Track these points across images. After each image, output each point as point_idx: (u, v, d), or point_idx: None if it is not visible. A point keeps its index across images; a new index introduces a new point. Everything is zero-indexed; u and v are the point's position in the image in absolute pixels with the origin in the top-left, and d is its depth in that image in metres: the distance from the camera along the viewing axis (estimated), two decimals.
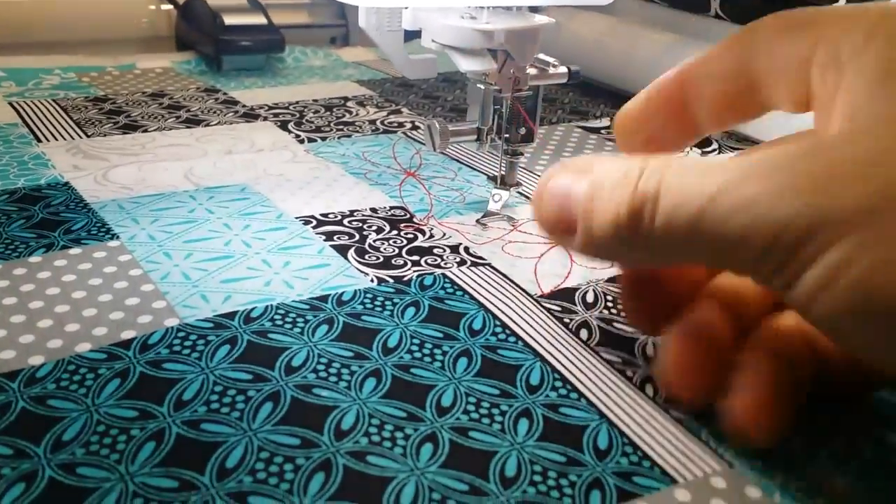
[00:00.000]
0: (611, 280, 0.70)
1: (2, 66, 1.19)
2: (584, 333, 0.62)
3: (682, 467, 0.49)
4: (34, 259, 0.67)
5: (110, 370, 0.54)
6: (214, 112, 1.07)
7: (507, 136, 0.78)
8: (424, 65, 0.81)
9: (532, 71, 0.75)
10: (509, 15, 0.74)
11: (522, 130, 0.78)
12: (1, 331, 0.58)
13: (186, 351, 0.57)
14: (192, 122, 1.02)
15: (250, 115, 1.06)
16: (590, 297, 0.67)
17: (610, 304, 0.66)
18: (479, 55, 0.72)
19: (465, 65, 0.70)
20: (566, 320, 0.63)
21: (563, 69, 0.77)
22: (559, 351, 0.59)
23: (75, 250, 0.69)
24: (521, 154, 0.80)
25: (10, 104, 1.05)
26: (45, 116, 1.01)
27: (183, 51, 1.36)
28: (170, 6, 1.44)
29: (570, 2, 0.70)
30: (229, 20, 1.27)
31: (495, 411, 0.53)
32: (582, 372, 0.57)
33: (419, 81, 1.24)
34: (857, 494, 0.47)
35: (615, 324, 0.64)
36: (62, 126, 0.98)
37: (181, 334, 0.58)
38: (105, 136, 0.96)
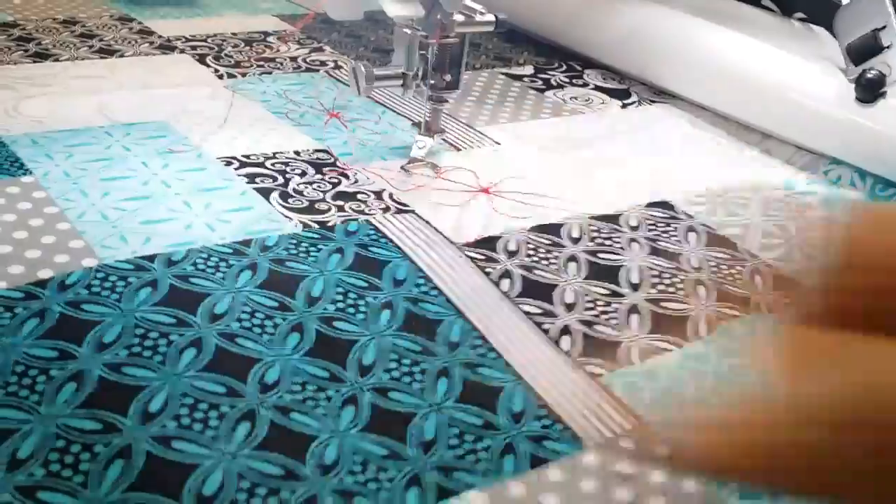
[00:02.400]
0: (534, 229, 0.71)
1: None
2: (505, 284, 0.63)
3: (592, 429, 0.50)
4: None
5: (28, 310, 0.53)
6: (129, 42, 1.03)
7: (432, 82, 0.78)
8: (350, 5, 0.79)
9: (459, 18, 0.75)
10: None
11: (447, 77, 0.78)
12: None
13: (106, 292, 0.56)
14: (106, 52, 0.99)
15: (167, 47, 1.03)
16: (512, 246, 0.68)
17: (531, 252, 0.67)
18: (408, 1, 0.72)
19: (393, 10, 0.70)
20: (488, 270, 0.64)
21: (490, 17, 0.76)
22: (479, 305, 0.60)
23: None
24: (446, 101, 0.80)
25: None
26: None
27: None
28: None
29: None
30: None
31: (416, 370, 0.53)
32: (500, 329, 0.58)
33: (343, 20, 1.22)
34: None
35: (536, 271, 0.65)
36: None
37: (100, 275, 0.57)
38: (14, 64, 0.92)
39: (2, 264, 0.57)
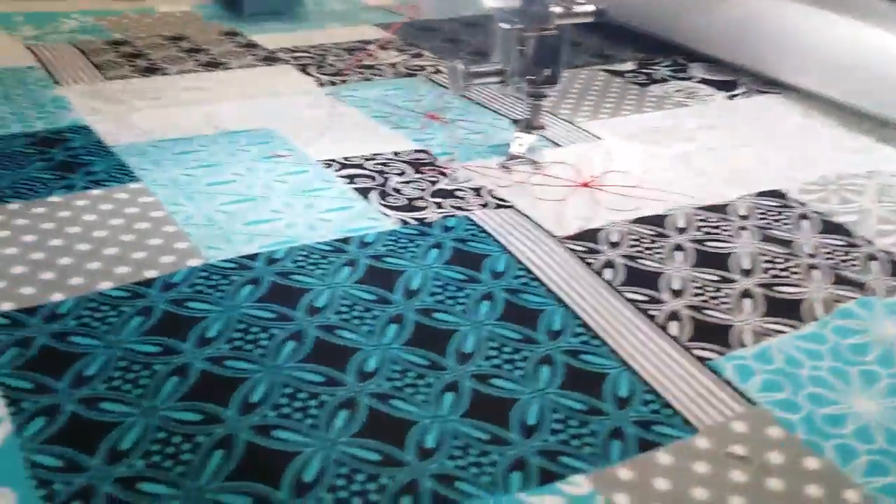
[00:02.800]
0: (637, 221, 0.69)
1: (20, 10, 1.18)
2: (608, 273, 0.61)
3: (702, 413, 0.48)
4: (54, 199, 0.67)
5: (133, 308, 0.54)
6: (235, 55, 1.05)
7: (531, 77, 0.77)
8: (445, 3, 0.79)
9: (557, 9, 0.73)
10: None
11: (547, 72, 0.76)
12: (20, 267, 0.58)
13: (210, 290, 0.56)
14: (213, 65, 1.01)
15: (271, 59, 1.05)
16: (614, 237, 0.66)
17: (635, 243, 0.65)
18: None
19: (490, 1, 0.69)
20: (590, 261, 0.63)
21: (590, 7, 0.75)
22: (581, 295, 0.59)
23: (96, 191, 0.68)
24: (545, 96, 0.79)
25: (29, 48, 1.04)
26: (64, 60, 1.00)
27: None
28: None
29: None
30: None
31: (517, 357, 0.52)
32: (604, 317, 0.56)
33: (441, 24, 1.22)
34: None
35: (640, 260, 0.63)
36: (81, 69, 0.97)
37: (204, 274, 0.58)
38: (124, 78, 0.95)
39: (109, 265, 0.58)
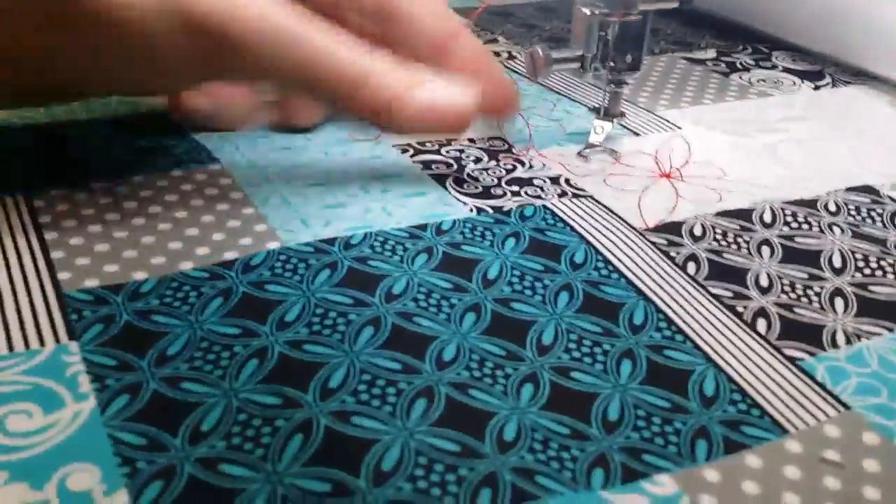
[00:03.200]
0: (721, 214, 0.67)
1: None
2: (691, 267, 0.60)
3: (793, 415, 0.47)
4: (137, 179, 0.68)
5: (213, 289, 0.54)
6: None
7: (612, 64, 0.75)
8: None
9: None
10: None
11: (629, 59, 0.75)
12: (104, 244, 0.58)
13: (288, 273, 0.56)
14: None
15: None
16: (697, 230, 0.64)
17: (719, 237, 0.63)
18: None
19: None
20: (672, 254, 0.61)
21: None
22: (663, 289, 0.57)
23: (177, 172, 0.69)
24: (626, 84, 0.77)
25: None
26: None
27: None
28: None
29: None
30: None
31: (597, 351, 0.51)
32: (688, 312, 0.55)
33: (515, 9, 1.21)
34: None
35: (725, 255, 0.61)
36: None
37: (282, 257, 0.58)
38: None
39: (190, 246, 0.58)
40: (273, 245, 0.59)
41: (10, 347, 0.48)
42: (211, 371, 0.48)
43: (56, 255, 0.57)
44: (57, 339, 0.49)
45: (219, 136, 0.76)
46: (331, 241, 0.60)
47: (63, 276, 0.55)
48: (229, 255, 0.58)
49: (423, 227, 0.63)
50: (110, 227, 0.61)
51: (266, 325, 0.51)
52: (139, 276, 0.55)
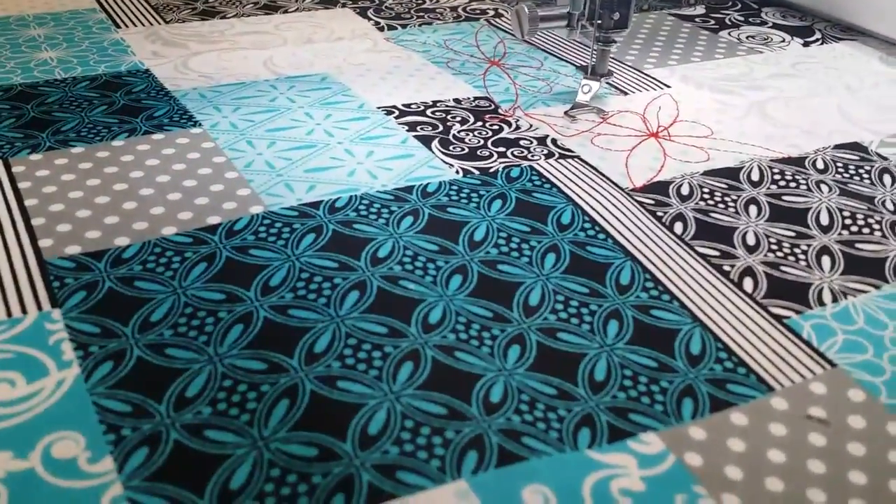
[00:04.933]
0: (708, 173, 0.66)
1: None
2: (678, 227, 0.59)
3: (779, 373, 0.47)
4: (117, 143, 0.67)
5: (197, 254, 0.54)
6: None
7: (599, 21, 0.74)
8: None
9: None
10: None
11: (616, 16, 0.74)
12: (85, 211, 0.58)
13: (272, 238, 0.56)
14: (271, 8, 1.00)
15: (329, 1, 1.03)
16: (685, 190, 0.64)
17: (707, 196, 0.63)
18: None
19: None
20: (659, 214, 0.61)
21: None
22: (650, 249, 0.57)
23: (158, 136, 0.68)
24: (613, 42, 0.76)
25: None
26: (124, 2, 1.00)
27: None
28: None
29: None
30: None
31: (584, 311, 0.51)
32: (674, 271, 0.55)
33: None
34: None
35: (713, 214, 0.61)
36: (140, 12, 0.97)
37: (266, 221, 0.58)
38: (183, 22, 0.94)
39: (172, 211, 0.58)
40: (257, 209, 0.59)
41: None
42: (195, 337, 0.47)
43: (37, 221, 0.56)
44: (39, 307, 0.49)
45: (200, 96, 0.75)
46: (315, 205, 0.60)
47: (44, 243, 0.54)
48: (213, 220, 0.57)
49: (409, 190, 0.62)
50: (91, 192, 0.60)
51: (251, 290, 0.51)
52: (121, 241, 0.55)
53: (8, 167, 0.62)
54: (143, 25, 0.93)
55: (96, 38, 0.89)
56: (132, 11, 0.97)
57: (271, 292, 0.51)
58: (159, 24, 0.94)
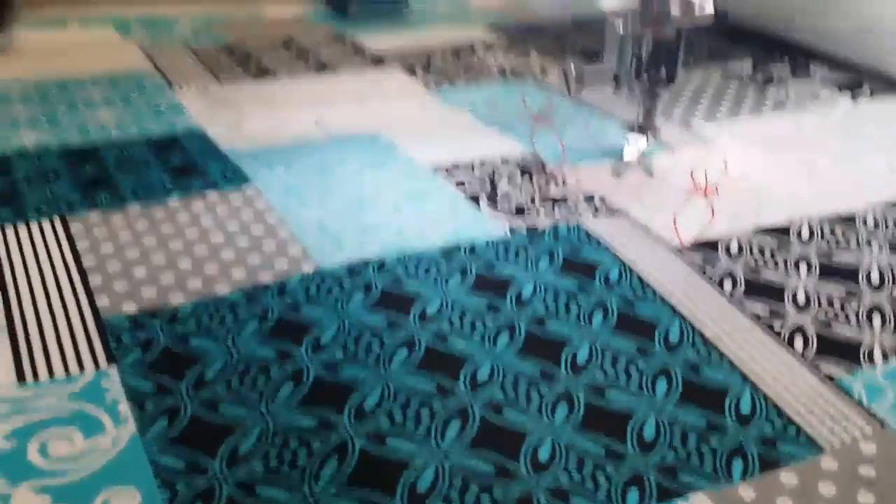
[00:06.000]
0: (757, 230, 0.66)
1: (136, 16, 1.22)
2: (727, 285, 0.59)
3: (829, 433, 0.46)
4: (172, 202, 0.68)
5: (249, 312, 0.55)
6: (343, 59, 1.06)
7: (646, 79, 0.75)
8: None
9: (676, 12, 0.71)
10: None
11: (663, 73, 0.74)
12: (141, 269, 0.59)
13: (323, 296, 0.57)
14: (322, 68, 1.02)
15: (378, 62, 1.05)
16: (734, 247, 0.64)
17: (756, 254, 0.63)
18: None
19: (607, 3, 0.67)
20: (708, 271, 0.61)
21: (709, 11, 0.72)
22: (699, 306, 0.57)
23: (212, 195, 0.70)
24: (660, 98, 0.77)
25: (145, 52, 1.07)
26: (179, 64, 1.03)
27: None
28: None
29: None
30: None
31: (632, 369, 0.51)
32: (724, 330, 0.54)
33: (548, 25, 1.21)
34: None
35: (762, 272, 0.61)
36: (195, 73, 1.00)
37: (317, 279, 0.59)
38: (237, 82, 0.97)
39: (226, 269, 0.59)
40: (308, 267, 0.60)
41: (51, 373, 0.49)
42: (248, 394, 0.48)
43: (94, 280, 0.58)
44: (97, 365, 0.50)
45: (253, 155, 0.77)
46: (365, 263, 0.61)
47: (101, 301, 0.56)
48: (265, 278, 0.59)
49: (457, 248, 0.63)
50: (147, 251, 0.62)
51: (301, 348, 0.52)
52: (176, 299, 0.56)
53: (66, 226, 0.64)
54: (198, 87, 0.95)
55: (152, 98, 0.91)
56: (187, 73, 1.00)
57: (322, 350, 0.52)
58: (214, 84, 0.96)
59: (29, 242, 0.62)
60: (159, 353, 0.51)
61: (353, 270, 0.60)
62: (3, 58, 1.02)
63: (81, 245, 0.62)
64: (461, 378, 0.50)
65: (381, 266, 0.60)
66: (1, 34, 1.07)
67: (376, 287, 0.58)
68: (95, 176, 0.73)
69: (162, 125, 0.84)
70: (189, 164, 0.75)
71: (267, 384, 0.49)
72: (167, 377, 0.49)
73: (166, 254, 0.61)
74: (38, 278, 0.58)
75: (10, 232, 0.64)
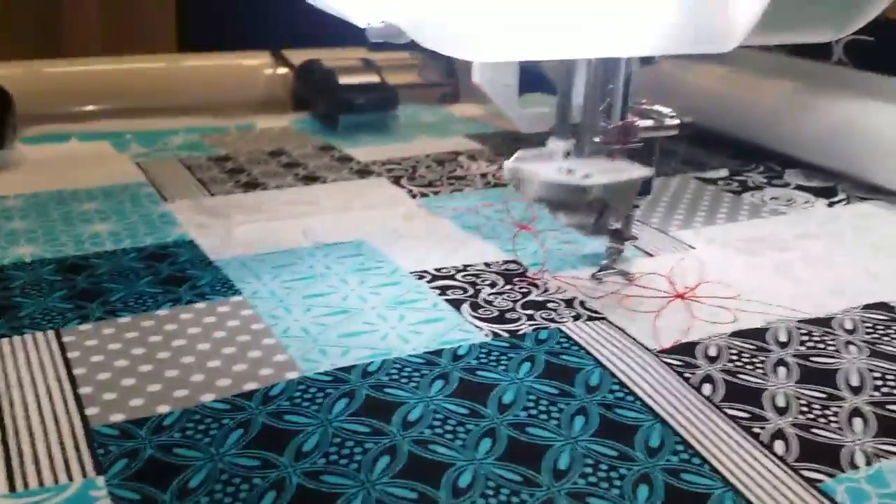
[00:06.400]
0: (736, 334, 0.67)
1: (129, 129, 1.25)
2: (706, 388, 0.60)
3: None
4: (162, 312, 0.69)
5: (234, 420, 0.55)
6: (330, 169, 1.09)
7: None
8: (539, 118, 0.80)
9: (643, 123, 0.74)
10: (606, 166, 0.72)
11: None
12: (130, 379, 0.60)
13: (306, 403, 0.57)
14: (310, 179, 1.05)
15: (364, 172, 1.08)
16: (712, 351, 0.65)
17: (734, 357, 0.64)
18: (578, 208, 0.72)
19: (564, 219, 0.70)
20: (687, 375, 0.61)
21: (675, 121, 0.75)
22: (679, 411, 0.57)
23: (200, 305, 0.71)
24: (637, 207, 0.79)
25: (138, 164, 1.10)
26: (171, 176, 1.06)
27: (299, 111, 1.40)
28: (286, 69, 1.49)
29: (685, 50, 0.69)
30: (345, 80, 1.31)
31: (613, 475, 0.51)
32: (704, 434, 0.55)
33: (531, 134, 1.24)
34: None
35: (741, 375, 0.61)
36: (187, 185, 1.02)
37: (301, 387, 0.59)
38: (227, 194, 1.00)
39: (212, 378, 0.60)
40: (292, 375, 0.61)
41: (41, 482, 0.49)
42: None
43: (84, 390, 0.58)
44: (84, 474, 0.50)
45: (241, 264, 0.78)
46: (348, 370, 0.61)
47: (91, 411, 0.56)
48: (249, 387, 0.59)
49: (440, 353, 0.64)
50: (136, 361, 0.62)
51: (284, 456, 0.52)
52: (163, 409, 0.57)
53: (59, 337, 0.65)
54: (190, 198, 0.98)
55: (145, 210, 0.93)
56: (179, 185, 1.02)
57: (304, 457, 0.52)
58: (205, 196, 0.99)
59: (23, 353, 0.63)
60: (145, 463, 0.52)
61: (337, 378, 0.61)
62: (3, 173, 1.05)
63: (73, 355, 0.63)
64: (443, 485, 0.50)
65: (364, 373, 0.61)
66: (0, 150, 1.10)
67: (360, 394, 0.59)
68: (88, 287, 0.74)
69: (154, 237, 0.86)
70: (179, 275, 0.77)
71: (250, 493, 0.49)
72: (152, 487, 0.50)
73: (154, 364, 0.62)
74: (31, 389, 0.58)
75: (4, 342, 0.65)
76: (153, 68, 1.46)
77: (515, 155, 0.72)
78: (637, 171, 0.71)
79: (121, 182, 1.03)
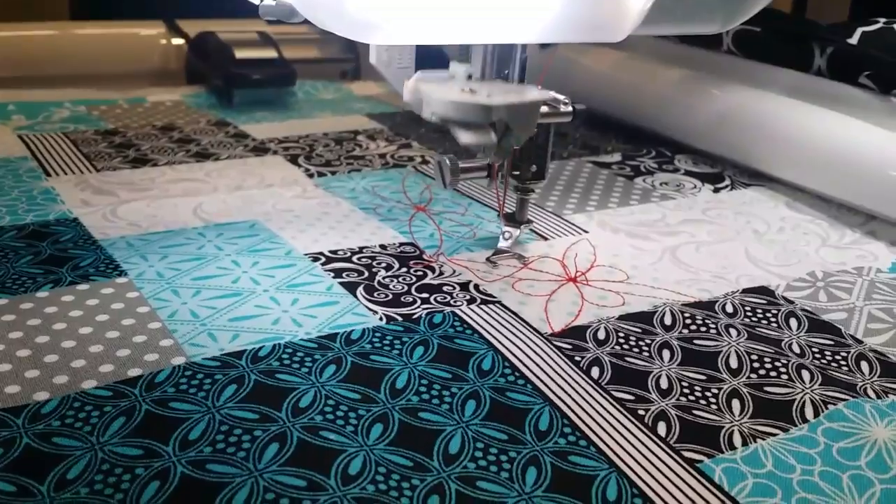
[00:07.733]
0: (623, 317, 0.69)
1: (12, 99, 1.20)
2: (595, 371, 0.61)
3: None
4: (41, 294, 0.67)
5: (116, 408, 0.54)
6: (224, 146, 1.07)
7: (517, 173, 0.78)
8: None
9: (543, 109, 0.75)
10: (507, 88, 0.72)
11: (534, 168, 0.78)
12: (6, 365, 0.57)
13: (193, 390, 0.56)
14: (202, 156, 1.02)
15: (260, 149, 1.06)
16: (601, 335, 0.66)
17: (622, 340, 0.65)
18: (480, 128, 0.71)
19: (465, 138, 0.70)
20: (577, 358, 0.63)
21: (568, 108, 0.76)
22: (568, 394, 0.58)
23: (83, 286, 0.68)
24: (532, 191, 0.80)
25: (20, 137, 1.05)
26: (55, 150, 1.01)
27: (193, 84, 1.37)
28: (180, 40, 1.45)
29: (577, 39, 0.70)
30: (241, 54, 1.28)
31: (503, 458, 0.52)
32: (591, 417, 0.56)
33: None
34: None
35: (627, 358, 0.63)
36: (72, 160, 0.98)
37: (188, 373, 0.58)
38: (114, 170, 0.96)
39: (93, 363, 0.58)
40: (179, 360, 0.59)
41: None
42: (112, 494, 0.47)
43: None
44: None
45: (127, 244, 0.76)
46: (238, 355, 0.60)
47: None
48: (133, 372, 0.57)
49: (333, 338, 0.63)
50: (13, 345, 0.60)
51: (169, 445, 0.51)
52: (41, 396, 0.54)
53: None
54: (74, 174, 0.94)
55: (25, 186, 0.90)
56: (63, 160, 0.98)
57: (190, 446, 0.51)
58: (90, 172, 0.95)
59: None
60: (20, 453, 0.50)
61: (226, 363, 0.59)
62: None
63: None
64: (332, 472, 0.49)
65: (254, 358, 0.60)
66: None
67: (249, 379, 0.57)
68: None
69: (35, 214, 0.82)
70: (60, 255, 0.74)
71: (132, 484, 0.48)
72: (28, 478, 0.48)
73: (32, 348, 0.59)
74: None
75: None
76: (41, 35, 1.40)
77: (415, 76, 0.71)
78: (539, 94, 0.71)
79: (1, 156, 0.98)
